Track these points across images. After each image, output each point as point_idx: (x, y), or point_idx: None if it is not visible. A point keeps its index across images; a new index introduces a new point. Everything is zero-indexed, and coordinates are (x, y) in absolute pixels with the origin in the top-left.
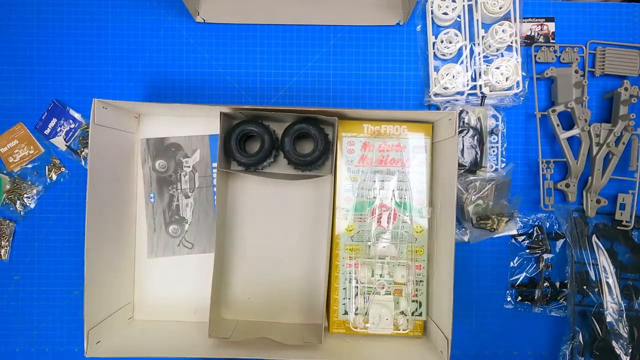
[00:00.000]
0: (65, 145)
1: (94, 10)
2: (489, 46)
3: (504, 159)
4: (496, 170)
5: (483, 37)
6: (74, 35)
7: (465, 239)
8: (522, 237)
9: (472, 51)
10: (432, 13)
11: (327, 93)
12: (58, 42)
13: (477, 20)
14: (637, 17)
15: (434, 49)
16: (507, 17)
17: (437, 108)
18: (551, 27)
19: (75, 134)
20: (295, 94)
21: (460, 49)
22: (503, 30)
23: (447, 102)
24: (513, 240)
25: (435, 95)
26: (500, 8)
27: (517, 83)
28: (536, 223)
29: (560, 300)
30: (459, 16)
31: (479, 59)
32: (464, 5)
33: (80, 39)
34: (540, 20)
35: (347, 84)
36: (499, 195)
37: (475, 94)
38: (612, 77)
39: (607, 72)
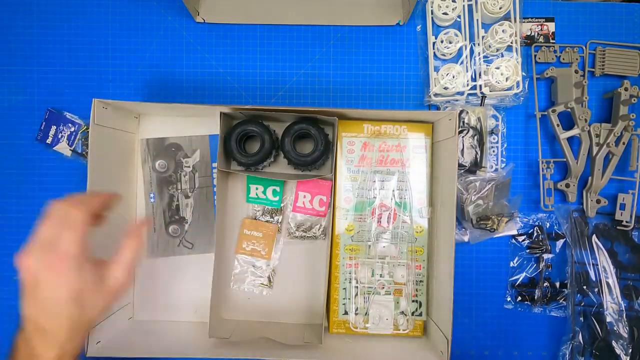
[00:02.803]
0: (70, 150)
1: (94, 10)
2: (489, 46)
3: (504, 159)
4: (496, 170)
5: (483, 37)
6: (74, 36)
7: (465, 239)
8: (522, 237)
9: (472, 51)
10: (432, 13)
11: (327, 93)
12: (58, 42)
13: (477, 20)
14: (637, 17)
15: (434, 49)
16: (507, 17)
17: (437, 108)
18: (551, 27)
19: (77, 137)
20: (295, 94)
21: (460, 49)
22: (503, 30)
23: (447, 102)
24: (513, 240)
25: (435, 95)
26: (500, 8)
27: (517, 83)
28: (536, 223)
29: (560, 300)
30: (459, 16)
31: (479, 59)
32: (464, 5)
33: (80, 39)
34: (540, 20)
35: (347, 84)
36: (499, 195)
37: (475, 94)
38: (612, 77)
39: (607, 72)
